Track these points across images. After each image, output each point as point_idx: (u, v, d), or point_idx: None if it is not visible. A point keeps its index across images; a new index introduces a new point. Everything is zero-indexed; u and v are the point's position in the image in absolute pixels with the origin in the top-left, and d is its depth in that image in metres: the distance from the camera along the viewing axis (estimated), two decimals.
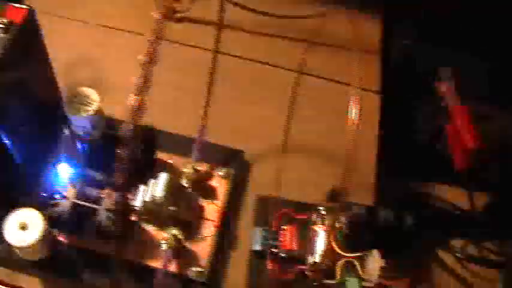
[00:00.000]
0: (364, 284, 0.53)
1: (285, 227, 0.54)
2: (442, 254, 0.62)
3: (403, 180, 0.66)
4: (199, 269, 0.52)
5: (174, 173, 0.54)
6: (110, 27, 0.69)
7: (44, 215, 0.50)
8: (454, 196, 0.66)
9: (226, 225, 0.55)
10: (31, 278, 0.53)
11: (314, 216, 0.55)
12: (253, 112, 0.64)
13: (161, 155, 0.56)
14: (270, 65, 0.68)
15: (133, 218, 0.53)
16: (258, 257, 0.54)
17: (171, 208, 0.52)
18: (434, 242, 0.64)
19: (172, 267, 0.52)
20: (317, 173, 0.60)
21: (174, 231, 0.51)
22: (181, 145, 0.57)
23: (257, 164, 0.60)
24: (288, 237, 0.54)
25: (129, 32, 0.68)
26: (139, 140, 0.52)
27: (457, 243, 0.64)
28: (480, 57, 0.68)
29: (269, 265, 0.53)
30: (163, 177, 0.52)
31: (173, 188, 0.52)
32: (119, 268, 0.52)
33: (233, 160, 0.58)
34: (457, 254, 0.63)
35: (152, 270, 0.52)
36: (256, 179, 0.59)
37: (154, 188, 0.51)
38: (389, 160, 0.65)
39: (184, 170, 0.54)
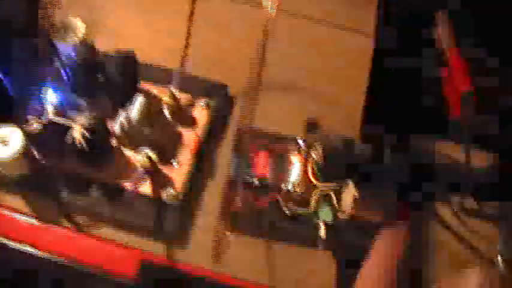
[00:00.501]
0: (339, 215, 0.54)
1: (259, 155, 0.55)
2: (440, 208, 0.62)
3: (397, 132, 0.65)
4: (173, 192, 0.53)
5: (156, 100, 0.56)
6: None
7: (24, 131, 0.52)
8: (452, 151, 0.65)
9: (203, 154, 0.56)
10: (14, 196, 0.55)
11: (291, 147, 0.55)
12: (239, 49, 0.63)
13: (146, 85, 0.57)
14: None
15: (113, 142, 0.55)
16: (233, 184, 0.54)
17: (147, 131, 0.53)
18: (431, 195, 0.64)
19: (147, 190, 0.53)
20: (300, 108, 0.60)
21: (147, 151, 0.52)
22: (166, 77, 0.57)
23: (241, 98, 0.60)
24: (261, 165, 0.54)
25: None
26: (120, 66, 0.54)
27: (455, 197, 0.63)
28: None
29: (243, 192, 0.54)
30: (139, 100, 0.53)
31: (150, 112, 0.53)
32: (96, 189, 0.54)
33: (217, 93, 0.59)
34: (454, 208, 0.63)
35: (131, 194, 0.53)
36: (239, 112, 0.59)
37: (130, 110, 0.53)
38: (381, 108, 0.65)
39: (164, 97, 0.55)
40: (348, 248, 0.54)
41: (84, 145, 0.50)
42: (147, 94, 0.55)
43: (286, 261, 0.53)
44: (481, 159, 0.64)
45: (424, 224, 0.61)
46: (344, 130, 0.58)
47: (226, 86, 0.59)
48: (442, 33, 0.63)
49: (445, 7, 0.65)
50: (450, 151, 0.64)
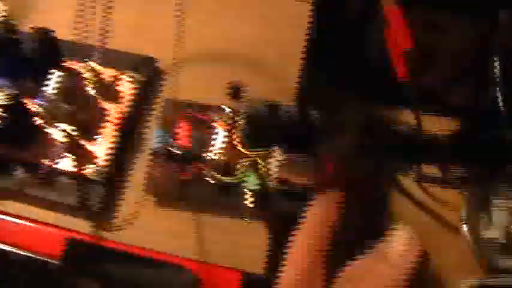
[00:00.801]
0: (267, 182, 0.52)
1: (182, 126, 0.53)
2: (397, 177, 0.60)
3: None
4: (96, 168, 0.52)
5: (76, 77, 0.55)
6: None
7: None
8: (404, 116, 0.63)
9: (130, 128, 0.55)
10: None
11: (216, 116, 0.54)
12: (166, 21, 0.59)
13: (68, 62, 0.56)
14: None
15: (36, 120, 0.54)
16: (157, 156, 0.53)
17: (66, 107, 0.52)
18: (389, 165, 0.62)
19: (70, 167, 0.52)
20: (232, 77, 0.57)
21: (65, 127, 0.51)
22: (89, 54, 0.55)
23: (170, 71, 0.59)
24: (185, 135, 0.53)
25: None
26: (38, 44, 0.53)
27: (413, 165, 0.61)
28: None
29: (166, 165, 0.52)
30: (54, 75, 0.52)
31: (68, 88, 0.53)
32: (19, 169, 0.53)
33: (145, 67, 0.57)
34: (412, 176, 0.61)
35: (53, 171, 0.53)
36: (169, 85, 0.58)
37: (47, 87, 0.52)
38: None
39: (85, 73, 0.54)
40: (279, 217, 0.52)
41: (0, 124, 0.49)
42: (68, 70, 0.54)
43: (215, 233, 0.52)
44: (438, 123, 0.63)
45: (380, 194, 0.60)
46: (278, 97, 0.56)
47: (154, 59, 0.58)
48: None
49: None
50: (402, 117, 0.63)
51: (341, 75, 0.64)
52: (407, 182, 0.59)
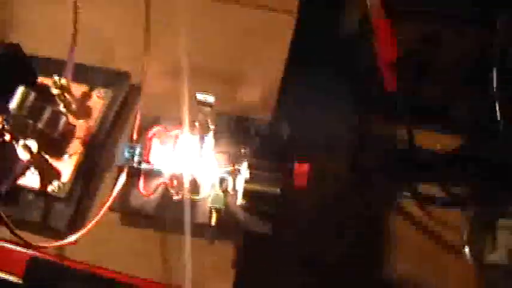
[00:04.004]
0: (232, 199, 0.49)
1: (151, 141, 0.52)
2: (398, 198, 0.57)
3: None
4: (59, 184, 0.51)
5: (45, 92, 0.54)
6: None
7: None
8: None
9: (98, 144, 0.54)
10: None
11: (186, 130, 0.52)
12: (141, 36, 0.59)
13: (40, 78, 0.56)
14: None
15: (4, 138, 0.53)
16: (123, 173, 0.51)
17: (31, 122, 0.51)
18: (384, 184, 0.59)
19: (33, 183, 0.51)
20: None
21: (26, 142, 0.50)
22: (61, 69, 0.54)
23: (142, 86, 0.56)
24: (150, 150, 0.51)
25: None
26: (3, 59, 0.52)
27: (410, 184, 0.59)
28: None
29: (132, 181, 0.51)
30: (19, 90, 0.51)
31: (34, 103, 0.51)
32: None
33: (116, 82, 0.56)
34: (405, 194, 0.58)
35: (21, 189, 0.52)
36: (140, 100, 0.55)
37: (11, 102, 0.51)
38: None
39: (53, 89, 0.53)
40: (245, 234, 0.50)
41: None
42: (36, 86, 0.54)
43: (177, 252, 0.49)
44: (437, 140, 0.60)
45: (383, 219, 0.57)
46: (260, 111, 0.55)
47: (127, 74, 0.57)
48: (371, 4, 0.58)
49: None
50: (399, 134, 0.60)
51: (331, 90, 0.63)
52: (407, 202, 0.57)
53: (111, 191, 0.51)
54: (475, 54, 0.58)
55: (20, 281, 0.50)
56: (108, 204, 0.49)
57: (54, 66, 0.56)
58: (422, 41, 0.58)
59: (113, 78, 0.57)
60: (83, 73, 0.55)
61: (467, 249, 0.54)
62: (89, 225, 0.48)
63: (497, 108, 0.54)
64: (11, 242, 0.51)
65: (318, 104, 0.62)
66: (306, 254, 0.57)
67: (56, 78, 0.53)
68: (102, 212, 0.48)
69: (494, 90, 0.54)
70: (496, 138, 0.54)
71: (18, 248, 0.51)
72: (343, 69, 0.64)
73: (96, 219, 0.48)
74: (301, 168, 0.49)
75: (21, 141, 0.51)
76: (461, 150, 0.60)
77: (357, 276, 0.56)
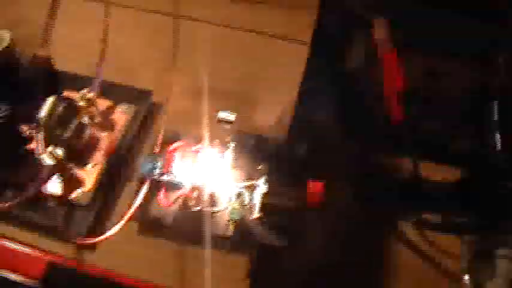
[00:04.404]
0: (249, 213, 0.51)
1: (172, 155, 0.54)
2: (399, 225, 0.59)
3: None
4: (81, 192, 0.53)
5: (72, 105, 0.56)
6: None
7: None
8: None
9: (120, 156, 0.56)
10: None
11: (206, 146, 0.54)
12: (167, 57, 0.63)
13: (67, 92, 0.58)
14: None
15: (29, 144, 0.55)
16: (144, 185, 0.53)
17: (59, 132, 0.53)
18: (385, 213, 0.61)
19: (57, 190, 0.53)
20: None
21: (53, 150, 0.51)
22: (88, 85, 0.57)
23: (164, 103, 0.60)
24: (174, 164, 0.53)
25: None
26: (36, 71, 0.55)
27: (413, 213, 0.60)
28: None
29: (152, 192, 0.53)
30: (49, 101, 0.53)
31: (63, 115, 0.54)
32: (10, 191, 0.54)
33: (139, 99, 0.59)
34: (412, 223, 0.59)
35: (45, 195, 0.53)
36: (162, 116, 0.59)
37: (41, 111, 0.53)
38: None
39: (80, 102, 0.56)
40: (261, 247, 0.51)
41: None
42: (65, 99, 0.56)
43: (195, 264, 0.51)
44: (438, 171, 0.62)
45: (384, 246, 0.59)
46: (275, 131, 0.57)
47: (150, 91, 0.60)
48: (377, 34, 0.62)
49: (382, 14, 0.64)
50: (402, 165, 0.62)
51: (339, 121, 0.65)
52: (408, 229, 0.58)
53: (131, 201, 0.53)
54: (475, 89, 0.61)
55: (37, 285, 0.51)
56: (130, 213, 0.51)
57: (80, 82, 0.59)
58: (425, 75, 0.61)
59: (135, 96, 0.59)
60: (108, 89, 0.58)
61: (466, 278, 0.55)
62: (110, 232, 0.50)
63: (497, 140, 0.57)
64: (31, 246, 0.53)
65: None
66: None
67: (84, 91, 0.56)
68: (124, 220, 0.50)
69: (495, 123, 0.57)
70: (496, 169, 0.56)
71: (37, 252, 0.52)
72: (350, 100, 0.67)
73: (118, 226, 0.50)
74: (316, 187, 0.51)
75: (48, 149, 0.53)
76: (462, 180, 0.62)
77: None
